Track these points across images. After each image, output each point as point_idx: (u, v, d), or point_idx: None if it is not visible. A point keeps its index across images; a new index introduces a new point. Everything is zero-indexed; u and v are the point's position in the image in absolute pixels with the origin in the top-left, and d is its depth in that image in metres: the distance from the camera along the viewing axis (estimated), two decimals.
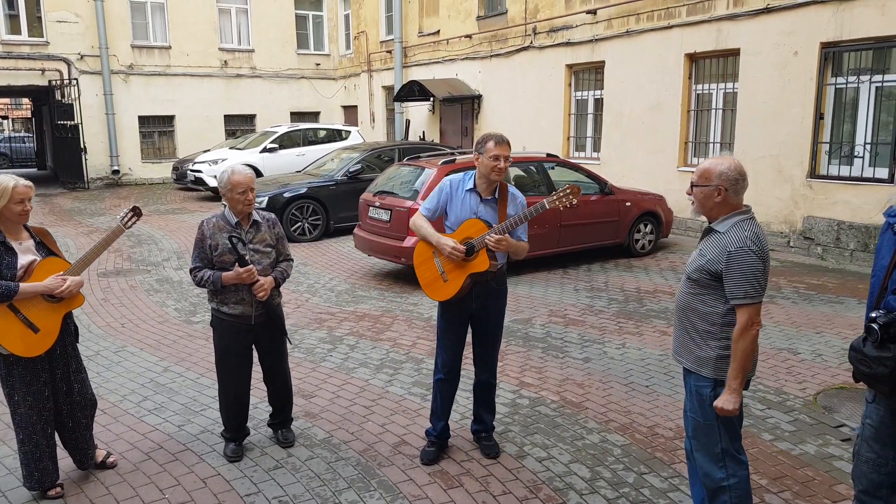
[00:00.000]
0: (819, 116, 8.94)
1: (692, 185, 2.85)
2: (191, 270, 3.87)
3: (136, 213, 3.71)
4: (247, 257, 3.77)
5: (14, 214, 3.33)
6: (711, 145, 10.67)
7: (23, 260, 3.37)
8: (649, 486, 3.66)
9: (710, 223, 2.85)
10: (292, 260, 4.13)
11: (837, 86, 8.87)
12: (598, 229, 9.01)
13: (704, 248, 2.82)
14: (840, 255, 8.82)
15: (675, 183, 10.86)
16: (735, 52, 9.95)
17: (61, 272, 3.44)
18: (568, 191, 3.59)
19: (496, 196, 3.72)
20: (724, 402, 2.75)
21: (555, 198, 3.58)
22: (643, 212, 9.39)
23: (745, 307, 2.66)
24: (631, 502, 3.50)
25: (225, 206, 3.91)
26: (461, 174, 3.84)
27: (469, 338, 3.94)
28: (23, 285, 3.30)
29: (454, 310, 3.81)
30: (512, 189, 3.77)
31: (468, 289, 3.68)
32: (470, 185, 3.74)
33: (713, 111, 10.60)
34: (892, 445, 2.56)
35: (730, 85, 10.25)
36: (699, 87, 10.77)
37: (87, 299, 7.44)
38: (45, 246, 3.54)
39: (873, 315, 2.46)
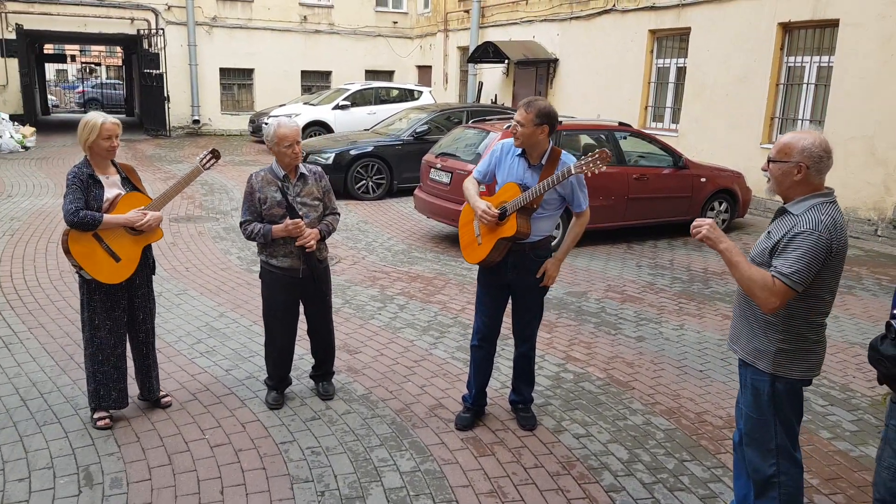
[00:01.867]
0: None
1: (769, 161, 2.59)
2: (241, 224, 3.92)
3: (215, 155, 3.91)
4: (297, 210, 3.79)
5: (102, 150, 3.55)
6: (800, 122, 10.00)
7: (109, 193, 3.59)
8: (689, 473, 3.50)
9: (784, 203, 2.61)
10: (338, 213, 4.13)
11: None
12: (669, 204, 8.64)
13: (773, 230, 2.57)
14: None
15: (757, 160, 10.24)
16: (833, 23, 9.21)
17: (142, 206, 3.63)
18: (596, 156, 3.35)
19: (543, 162, 3.56)
20: (706, 226, 2.54)
21: (582, 163, 3.37)
22: (719, 189, 8.93)
23: (779, 282, 2.40)
24: (668, 489, 3.37)
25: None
26: (512, 139, 3.69)
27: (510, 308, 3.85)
28: (106, 216, 3.52)
29: (488, 275, 3.75)
30: (565, 156, 3.59)
31: (501, 254, 3.58)
32: (520, 150, 3.60)
33: (805, 86, 9.91)
34: None
35: (825, 58, 9.53)
36: (791, 59, 10.07)
37: (156, 243, 7.78)
38: (130, 182, 3.75)
39: (895, 311, 2.22)
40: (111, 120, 3.56)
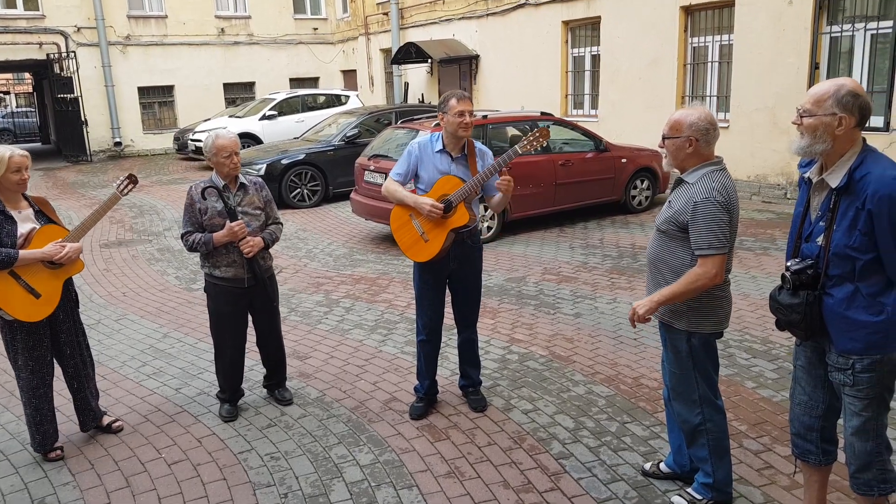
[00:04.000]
0: (814, 66, 8.84)
1: (663, 138, 2.85)
2: (182, 236, 3.95)
3: (132, 180, 3.84)
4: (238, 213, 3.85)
5: (12, 184, 3.42)
6: (708, 99, 10.56)
7: (23, 228, 3.46)
8: (631, 434, 3.76)
9: (681, 174, 2.87)
10: (282, 223, 4.20)
11: (832, 35, 8.75)
12: (594, 187, 9.00)
13: (673, 200, 2.84)
14: None
15: None
16: (730, 3, 9.79)
17: (60, 239, 3.54)
18: (537, 133, 3.65)
19: (465, 153, 3.76)
20: (639, 305, 2.82)
21: (525, 142, 3.62)
22: (639, 168, 9.37)
23: (710, 258, 2.67)
24: (612, 450, 3.61)
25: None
26: (427, 136, 3.88)
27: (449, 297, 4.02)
28: (22, 252, 3.40)
29: (432, 271, 3.88)
30: (479, 145, 3.84)
31: (450, 246, 3.74)
32: (439, 145, 3.78)
33: (709, 64, 10.48)
34: (821, 386, 2.61)
35: (725, 37, 10.11)
36: (695, 40, 10.63)
37: (89, 270, 7.61)
38: (45, 214, 3.64)
39: (788, 264, 2.50)
40: (19, 152, 3.44)
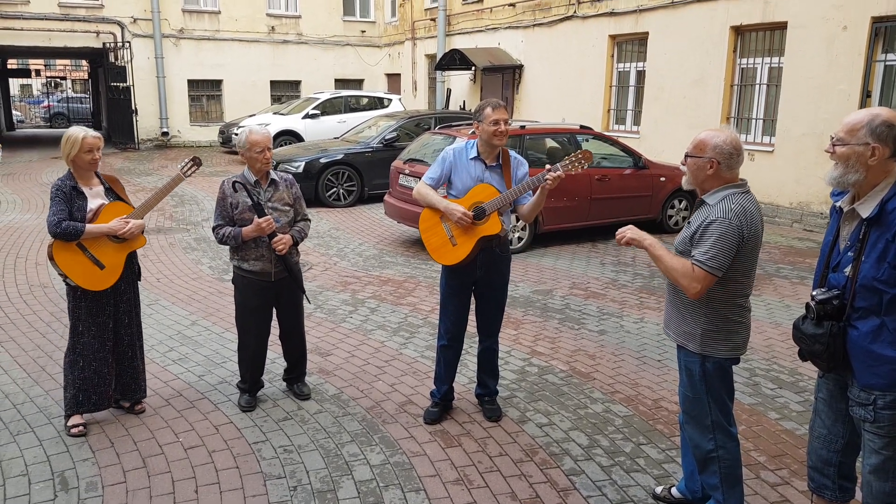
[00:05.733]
0: (866, 94, 8.60)
1: (686, 156, 2.82)
2: (213, 228, 4.05)
3: (196, 162, 4.09)
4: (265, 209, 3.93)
5: (85, 162, 3.69)
6: (754, 121, 10.36)
7: (92, 204, 3.73)
8: (645, 456, 3.70)
9: (701, 195, 2.82)
10: (309, 220, 4.26)
11: (888, 62, 8.50)
12: (631, 203, 8.90)
13: (693, 220, 2.80)
14: None
15: None
16: (782, 26, 9.60)
17: (125, 215, 3.77)
18: (580, 155, 3.60)
19: (500, 162, 3.77)
20: (632, 229, 2.83)
21: (567, 162, 3.58)
22: (678, 187, 9.21)
23: (698, 268, 2.62)
24: (625, 471, 3.56)
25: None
26: (463, 143, 3.89)
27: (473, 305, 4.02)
28: (89, 226, 3.67)
29: (459, 276, 3.88)
30: (514, 154, 3.83)
31: (477, 252, 3.75)
32: (473, 153, 3.79)
33: (757, 86, 10.28)
34: (842, 420, 2.54)
35: (775, 59, 9.91)
36: (744, 61, 10.45)
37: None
38: (114, 192, 3.89)
39: (814, 293, 2.44)
40: (92, 134, 3.71)
